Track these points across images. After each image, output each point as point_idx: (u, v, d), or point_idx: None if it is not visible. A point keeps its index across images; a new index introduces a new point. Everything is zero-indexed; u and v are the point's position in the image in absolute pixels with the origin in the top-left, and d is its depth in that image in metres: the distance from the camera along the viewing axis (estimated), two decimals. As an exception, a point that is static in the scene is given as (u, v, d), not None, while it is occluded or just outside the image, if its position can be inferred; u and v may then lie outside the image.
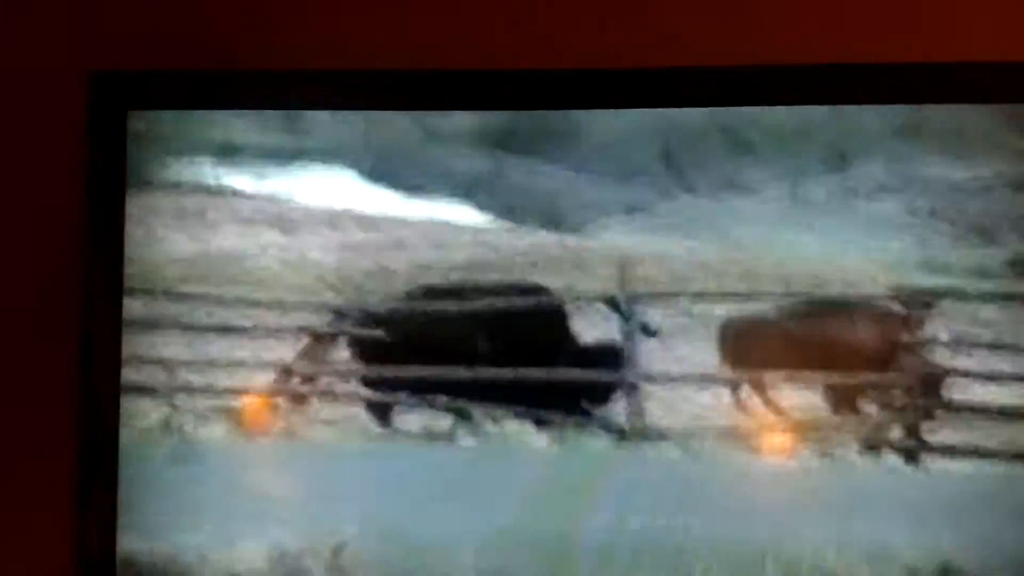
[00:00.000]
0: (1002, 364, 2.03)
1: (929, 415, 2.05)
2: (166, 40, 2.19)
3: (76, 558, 2.13)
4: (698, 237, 2.15)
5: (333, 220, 2.18)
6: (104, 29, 2.22)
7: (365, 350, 2.16)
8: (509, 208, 2.18)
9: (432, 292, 2.14)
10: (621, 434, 2.11)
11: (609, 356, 2.13)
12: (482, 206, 2.17)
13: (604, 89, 2.08)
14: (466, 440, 2.14)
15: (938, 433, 2.05)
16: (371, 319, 2.14)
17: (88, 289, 2.14)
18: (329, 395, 2.16)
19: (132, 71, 2.15)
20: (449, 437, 2.14)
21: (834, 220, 2.08)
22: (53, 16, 2.24)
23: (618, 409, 2.11)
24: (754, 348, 2.12)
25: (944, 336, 2.05)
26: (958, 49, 2.00)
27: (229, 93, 2.14)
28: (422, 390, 2.15)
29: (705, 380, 2.11)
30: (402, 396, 2.15)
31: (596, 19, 2.12)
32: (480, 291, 2.13)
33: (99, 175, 2.14)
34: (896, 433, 2.06)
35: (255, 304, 2.17)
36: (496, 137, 2.16)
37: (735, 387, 2.11)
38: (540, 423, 2.13)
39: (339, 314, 2.16)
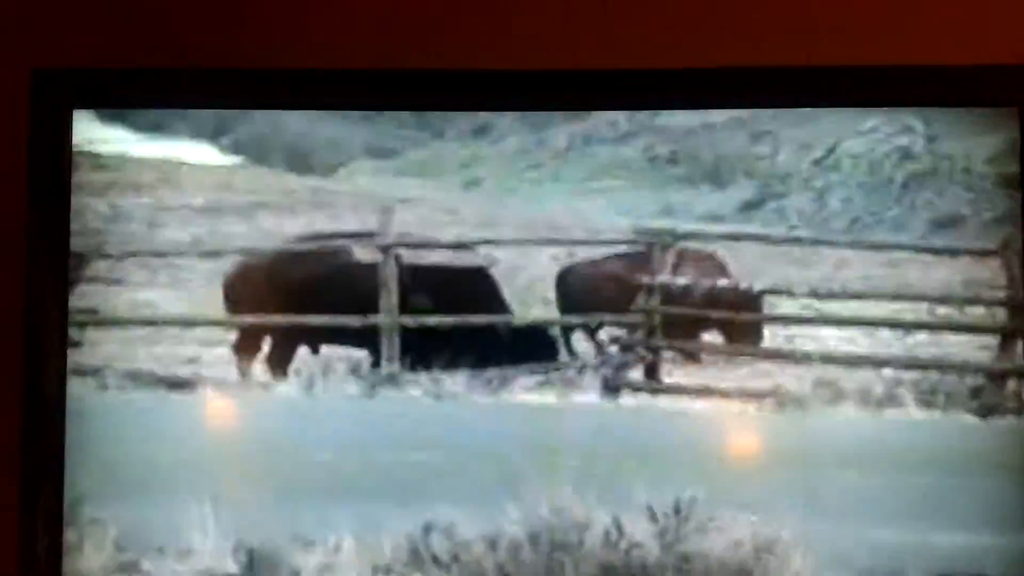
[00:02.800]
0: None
1: (667, 356, 2.11)
2: (111, 38, 2.11)
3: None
4: (447, 183, 2.16)
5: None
6: (48, 26, 2.13)
7: None
8: (255, 150, 2.15)
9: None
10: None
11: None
12: (225, 147, 2.14)
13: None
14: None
15: (674, 374, 2.11)
16: None
17: (33, 286, 2.04)
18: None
19: (76, 69, 2.07)
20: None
21: (577, 167, 2.11)
22: (-5, 13, 2.15)
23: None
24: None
25: (681, 280, 2.11)
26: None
27: (174, 92, 2.07)
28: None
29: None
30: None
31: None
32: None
33: (42, 175, 2.05)
34: (635, 374, 2.11)
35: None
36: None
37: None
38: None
39: (78, 257, 2.09)
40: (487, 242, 2.13)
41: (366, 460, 2.08)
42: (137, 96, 2.09)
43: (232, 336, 2.11)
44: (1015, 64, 1.96)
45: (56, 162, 2.06)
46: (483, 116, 2.11)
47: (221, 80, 2.07)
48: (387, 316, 2.11)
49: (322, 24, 2.11)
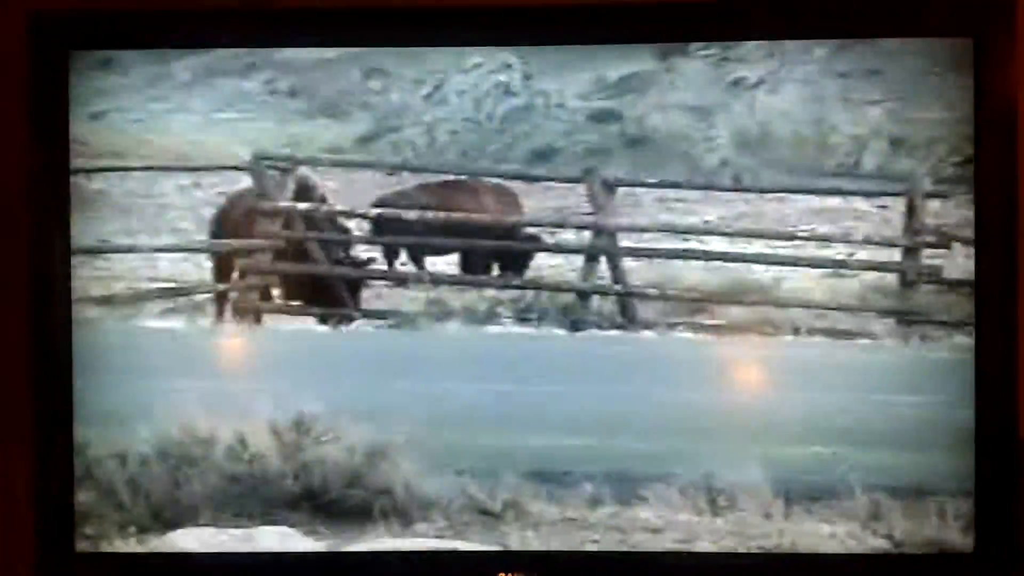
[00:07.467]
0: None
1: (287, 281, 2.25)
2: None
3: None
4: (72, 114, 2.20)
5: None
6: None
7: None
8: None
9: None
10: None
11: None
12: None
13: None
14: None
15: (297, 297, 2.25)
16: None
17: (39, 216, 2.11)
18: None
19: (73, 10, 2.08)
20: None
21: (199, 98, 2.20)
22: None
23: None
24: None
25: (303, 205, 2.24)
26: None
27: (171, 33, 2.12)
28: None
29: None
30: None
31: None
32: None
33: (42, 116, 2.11)
34: (266, 297, 2.23)
35: None
36: None
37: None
38: None
39: None
40: (111, 169, 2.20)
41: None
42: (134, 37, 2.13)
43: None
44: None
45: (55, 102, 2.11)
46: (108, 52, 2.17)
47: (220, 20, 2.12)
48: None
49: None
